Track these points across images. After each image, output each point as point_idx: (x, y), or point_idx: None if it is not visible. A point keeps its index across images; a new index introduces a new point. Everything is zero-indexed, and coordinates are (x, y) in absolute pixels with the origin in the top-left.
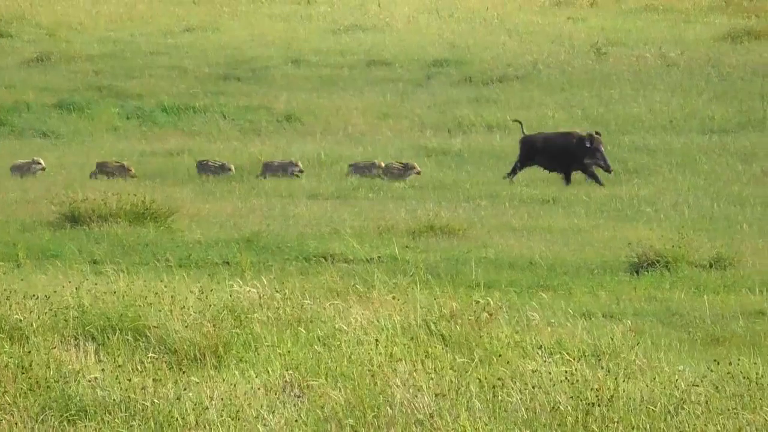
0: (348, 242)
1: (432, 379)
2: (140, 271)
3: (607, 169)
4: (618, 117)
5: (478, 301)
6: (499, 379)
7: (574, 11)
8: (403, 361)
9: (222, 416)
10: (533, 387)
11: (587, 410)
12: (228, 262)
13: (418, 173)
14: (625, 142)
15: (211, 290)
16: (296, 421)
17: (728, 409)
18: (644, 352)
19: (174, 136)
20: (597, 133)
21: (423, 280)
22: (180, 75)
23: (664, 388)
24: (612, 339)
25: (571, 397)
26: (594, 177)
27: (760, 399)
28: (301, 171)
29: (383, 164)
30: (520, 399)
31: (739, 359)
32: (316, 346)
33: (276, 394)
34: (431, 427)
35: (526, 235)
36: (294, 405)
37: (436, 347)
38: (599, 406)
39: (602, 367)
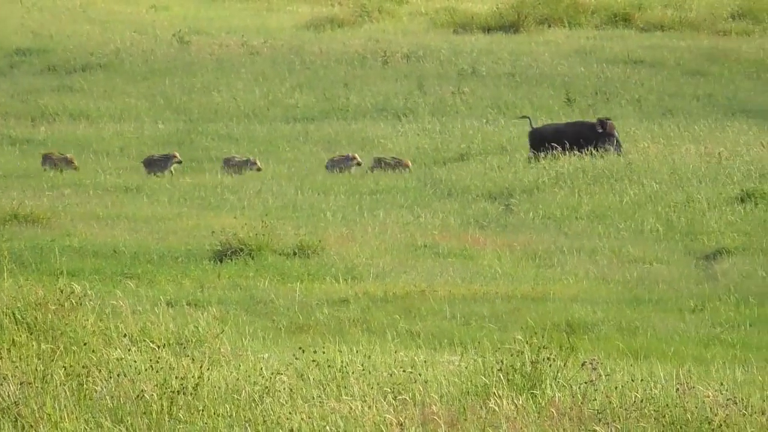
0: None
1: (17, 367)
2: None
3: (618, 152)
4: (201, 105)
5: (63, 290)
6: (84, 367)
7: (156, 0)
8: None
9: None
10: (118, 375)
11: (172, 398)
12: None
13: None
14: (208, 131)
15: None
16: None
17: (313, 397)
18: (229, 340)
19: None
20: (607, 118)
21: (8, 269)
22: None
23: (249, 376)
24: (197, 327)
25: (156, 385)
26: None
27: (345, 387)
28: (259, 168)
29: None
30: (106, 387)
31: (324, 347)
32: None
33: None
34: (17, 415)
35: (110, 224)
36: None
37: (21, 335)
38: (184, 394)
39: (187, 355)
